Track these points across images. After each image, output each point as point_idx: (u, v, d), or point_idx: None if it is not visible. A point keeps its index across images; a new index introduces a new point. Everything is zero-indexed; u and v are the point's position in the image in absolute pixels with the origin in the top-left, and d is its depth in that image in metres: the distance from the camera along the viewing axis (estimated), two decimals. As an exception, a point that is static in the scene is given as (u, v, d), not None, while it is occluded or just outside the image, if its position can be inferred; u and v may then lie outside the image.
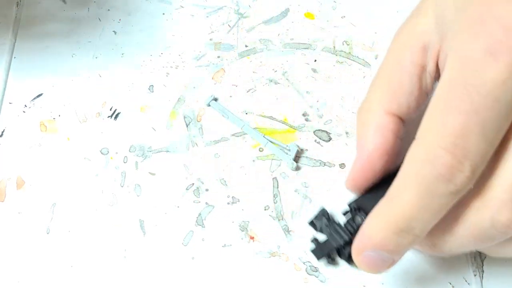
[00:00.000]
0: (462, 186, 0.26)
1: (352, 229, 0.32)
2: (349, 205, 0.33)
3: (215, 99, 0.38)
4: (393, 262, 0.29)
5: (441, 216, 0.27)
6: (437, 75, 0.31)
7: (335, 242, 0.32)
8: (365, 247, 0.29)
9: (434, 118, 0.26)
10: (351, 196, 0.36)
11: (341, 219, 0.33)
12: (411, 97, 0.31)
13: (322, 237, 0.33)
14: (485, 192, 0.27)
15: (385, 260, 0.29)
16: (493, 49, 0.25)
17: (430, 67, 0.30)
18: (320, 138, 0.37)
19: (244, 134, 0.38)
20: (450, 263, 0.34)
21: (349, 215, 0.32)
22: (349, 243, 0.32)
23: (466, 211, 0.27)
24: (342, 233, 0.32)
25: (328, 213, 0.33)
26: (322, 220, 0.33)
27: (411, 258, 0.34)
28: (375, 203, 0.31)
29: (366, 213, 0.32)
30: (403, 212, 0.27)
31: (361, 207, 0.32)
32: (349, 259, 0.32)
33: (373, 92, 0.32)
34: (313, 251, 0.32)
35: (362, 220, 0.31)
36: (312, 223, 0.34)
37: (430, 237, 0.28)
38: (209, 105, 0.38)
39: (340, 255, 0.33)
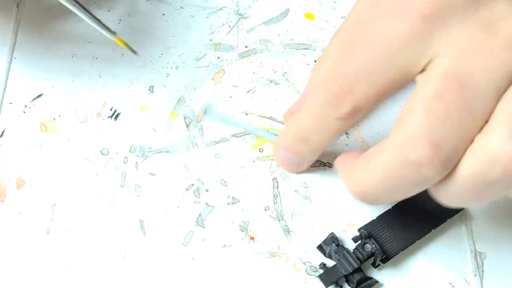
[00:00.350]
0: (346, 115, 0.28)
1: (362, 256, 0.32)
2: (360, 231, 0.33)
3: (210, 106, 0.38)
4: (299, 166, 0.35)
5: (332, 136, 0.31)
6: None
7: (344, 269, 0.32)
8: (278, 147, 0.34)
9: (403, 125, 0.26)
10: (352, 197, 0.36)
11: (350, 245, 0.34)
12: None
13: (330, 262, 0.33)
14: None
15: (292, 161, 0.34)
16: None
17: None
18: (320, 139, 0.37)
19: (244, 134, 0.38)
20: (450, 263, 0.34)
21: (360, 242, 0.33)
22: (358, 270, 0.32)
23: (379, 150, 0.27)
24: (351, 260, 0.32)
25: (337, 238, 0.33)
26: (331, 245, 0.33)
27: (411, 258, 0.34)
28: (386, 230, 0.33)
29: (377, 240, 0.32)
30: (303, 125, 0.31)
31: (371, 234, 0.33)
32: (358, 286, 0.32)
33: (332, 46, 0.32)
34: (321, 277, 0.33)
35: (372, 248, 0.32)
36: (320, 248, 0.34)
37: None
38: (204, 113, 0.38)
39: (348, 282, 0.33)
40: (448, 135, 0.25)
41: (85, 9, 0.32)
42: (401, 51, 0.26)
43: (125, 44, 0.34)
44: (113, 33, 0.33)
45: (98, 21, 0.33)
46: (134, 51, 0.35)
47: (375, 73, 0.27)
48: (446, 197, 0.27)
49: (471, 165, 0.25)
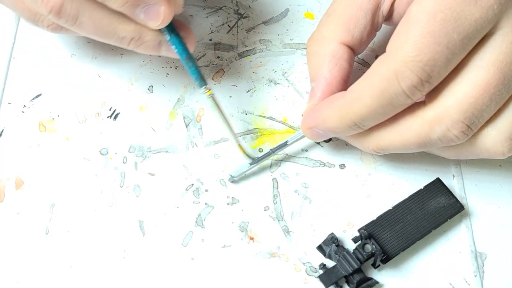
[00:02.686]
0: (416, 101, 0.30)
1: (362, 257, 0.32)
2: (360, 232, 0.33)
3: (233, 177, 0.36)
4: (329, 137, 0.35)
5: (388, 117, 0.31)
6: (388, 16, 0.34)
7: (344, 269, 0.32)
8: (317, 126, 0.33)
9: (410, 40, 0.28)
10: (352, 197, 0.36)
11: (350, 245, 0.34)
12: (364, 31, 0.34)
13: (330, 262, 0.33)
14: (437, 106, 0.30)
15: (325, 136, 0.34)
16: None
17: (385, 7, 0.34)
18: (320, 139, 0.37)
19: (244, 134, 0.37)
20: (451, 263, 0.34)
21: (360, 242, 0.33)
22: (358, 271, 0.32)
23: (413, 119, 0.31)
24: (351, 261, 0.32)
25: (337, 239, 0.33)
26: (331, 245, 0.33)
27: (411, 259, 0.34)
28: (386, 230, 0.33)
29: (377, 241, 0.32)
30: (361, 113, 0.31)
31: (371, 235, 0.33)
32: (358, 287, 0.32)
33: (327, 25, 0.34)
34: (321, 278, 0.33)
35: (373, 249, 0.32)
36: (320, 248, 0.34)
37: (375, 138, 0.33)
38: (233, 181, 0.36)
39: (348, 283, 0.33)
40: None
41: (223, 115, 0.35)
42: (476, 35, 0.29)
43: (242, 149, 0.35)
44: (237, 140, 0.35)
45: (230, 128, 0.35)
46: (251, 157, 0.36)
47: (454, 58, 0.29)
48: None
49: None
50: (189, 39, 0.34)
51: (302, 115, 0.36)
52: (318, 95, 0.34)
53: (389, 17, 0.35)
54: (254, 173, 0.36)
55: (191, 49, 0.34)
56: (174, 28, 0.33)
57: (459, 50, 0.28)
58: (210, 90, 0.34)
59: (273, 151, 0.35)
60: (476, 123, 0.30)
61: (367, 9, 0.34)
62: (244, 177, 0.36)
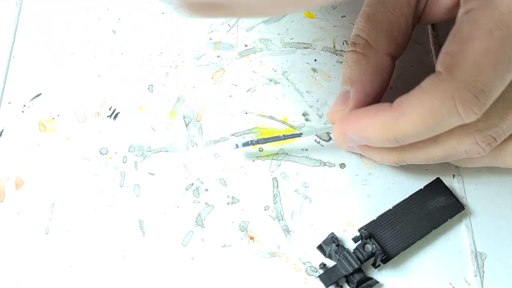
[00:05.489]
0: (469, 122, 0.28)
1: (362, 256, 0.32)
2: (360, 231, 0.33)
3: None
4: (359, 144, 0.33)
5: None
6: (423, 15, 0.33)
7: (344, 269, 0.32)
8: (353, 133, 0.32)
9: (467, 58, 0.27)
10: (352, 197, 0.36)
11: (350, 245, 0.33)
12: (406, 36, 0.33)
13: (330, 262, 0.33)
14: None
15: (356, 142, 0.33)
16: None
17: (421, 7, 0.33)
18: (320, 138, 0.37)
19: (244, 134, 0.37)
20: (451, 263, 0.34)
21: (360, 242, 0.33)
22: (358, 271, 0.32)
23: (449, 135, 0.30)
24: (352, 261, 0.32)
25: (337, 239, 0.33)
26: (331, 245, 0.33)
27: (411, 259, 0.34)
28: (386, 230, 0.33)
29: (377, 241, 0.32)
30: (405, 130, 0.29)
31: (372, 234, 0.33)
32: (358, 287, 0.32)
33: (370, 32, 0.33)
34: (321, 278, 0.32)
35: (373, 249, 0.32)
36: (320, 248, 0.34)
37: (402, 151, 0.32)
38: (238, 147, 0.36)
39: (348, 283, 0.33)
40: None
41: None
42: None
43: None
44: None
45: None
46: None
47: (510, 78, 0.27)
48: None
49: None
50: None
51: (327, 116, 0.35)
52: (354, 103, 0.33)
53: (422, 18, 0.34)
54: (254, 173, 0.36)
55: None
56: None
57: None
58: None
59: (285, 137, 0.35)
60: (502, 135, 0.30)
61: (408, 15, 0.33)
62: (244, 176, 0.36)
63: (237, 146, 0.35)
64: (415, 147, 0.31)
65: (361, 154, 0.37)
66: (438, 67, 0.29)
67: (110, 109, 0.38)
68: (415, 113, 0.29)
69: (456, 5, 0.31)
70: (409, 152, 0.32)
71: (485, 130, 0.29)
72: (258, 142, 0.35)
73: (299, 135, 0.35)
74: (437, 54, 0.38)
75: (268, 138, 0.35)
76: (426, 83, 0.29)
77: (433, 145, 0.31)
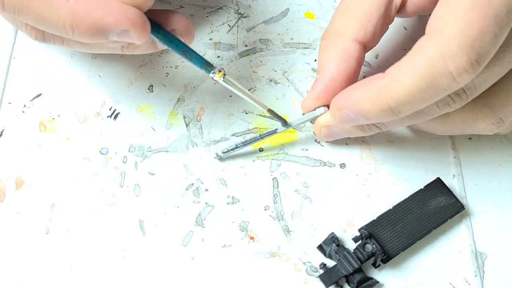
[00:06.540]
0: (463, 86, 0.28)
1: (362, 256, 0.32)
2: (360, 231, 0.33)
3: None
4: (358, 123, 0.32)
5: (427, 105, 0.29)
6: (401, 7, 0.34)
7: (344, 269, 0.32)
8: (348, 108, 0.31)
9: (454, 16, 0.27)
10: (352, 197, 0.36)
11: (350, 245, 0.34)
12: (377, 26, 0.33)
13: (330, 262, 0.33)
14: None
15: (354, 120, 0.31)
16: None
17: None
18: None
19: (244, 134, 0.37)
20: (451, 263, 0.34)
21: (360, 242, 0.33)
22: (358, 270, 0.32)
23: None
24: (352, 260, 0.32)
25: (337, 238, 0.33)
26: (332, 245, 0.33)
27: (411, 258, 0.34)
28: (386, 230, 0.33)
29: (377, 241, 0.32)
30: (398, 97, 0.28)
31: (372, 234, 0.33)
32: (358, 287, 0.32)
33: (341, 19, 0.34)
34: (321, 278, 0.33)
35: (373, 249, 0.32)
36: (320, 248, 0.34)
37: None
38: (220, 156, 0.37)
39: (348, 283, 0.33)
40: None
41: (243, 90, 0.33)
42: None
43: (273, 113, 0.35)
44: (264, 107, 0.34)
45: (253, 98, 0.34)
46: (284, 121, 0.35)
47: (501, 34, 0.27)
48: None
49: None
50: (185, 30, 0.31)
51: (301, 104, 0.36)
52: (320, 87, 0.33)
53: (402, 8, 0.34)
54: (254, 173, 0.36)
55: (189, 40, 0.31)
56: (160, 29, 0.30)
57: (506, 25, 0.27)
58: (220, 71, 0.32)
59: (261, 137, 0.35)
60: (474, 93, 0.30)
61: (380, 3, 0.33)
62: (244, 176, 0.36)
63: (217, 155, 0.36)
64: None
65: (361, 154, 0.37)
66: (427, 29, 0.28)
67: (110, 109, 0.38)
68: (407, 76, 0.28)
69: None
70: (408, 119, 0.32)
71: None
72: (237, 146, 0.35)
73: (275, 131, 0.36)
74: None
75: (246, 141, 0.35)
76: (416, 46, 0.29)
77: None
